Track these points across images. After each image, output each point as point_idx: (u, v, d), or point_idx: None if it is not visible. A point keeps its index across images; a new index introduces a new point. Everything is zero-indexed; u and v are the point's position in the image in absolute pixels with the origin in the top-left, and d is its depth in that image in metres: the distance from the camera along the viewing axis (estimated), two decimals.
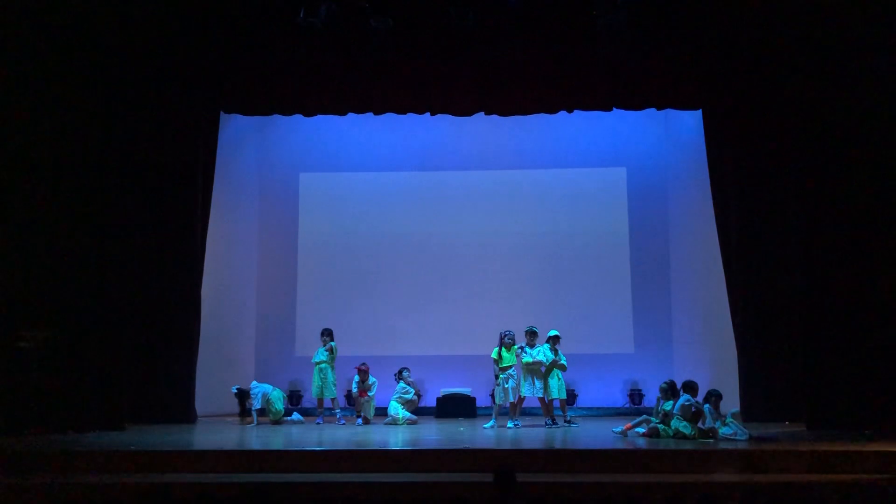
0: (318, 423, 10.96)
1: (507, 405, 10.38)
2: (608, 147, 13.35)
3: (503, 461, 6.89)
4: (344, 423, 10.88)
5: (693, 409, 8.89)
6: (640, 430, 9.29)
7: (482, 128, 12.80)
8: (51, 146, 9.87)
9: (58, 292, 9.69)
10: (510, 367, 10.36)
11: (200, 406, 11.29)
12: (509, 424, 10.24)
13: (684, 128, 12.69)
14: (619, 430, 9.44)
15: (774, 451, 7.64)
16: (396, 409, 10.90)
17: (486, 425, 10.29)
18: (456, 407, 11.85)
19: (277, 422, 10.99)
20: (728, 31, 10.58)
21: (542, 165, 13.39)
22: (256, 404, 10.96)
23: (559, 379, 10.50)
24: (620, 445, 8.55)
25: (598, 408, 12.47)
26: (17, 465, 7.49)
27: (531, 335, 10.45)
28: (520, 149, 13.37)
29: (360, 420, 10.93)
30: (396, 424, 10.71)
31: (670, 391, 9.41)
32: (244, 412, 11.08)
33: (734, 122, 10.78)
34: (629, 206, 13.23)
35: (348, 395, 11.66)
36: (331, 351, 11.02)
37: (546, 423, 10.34)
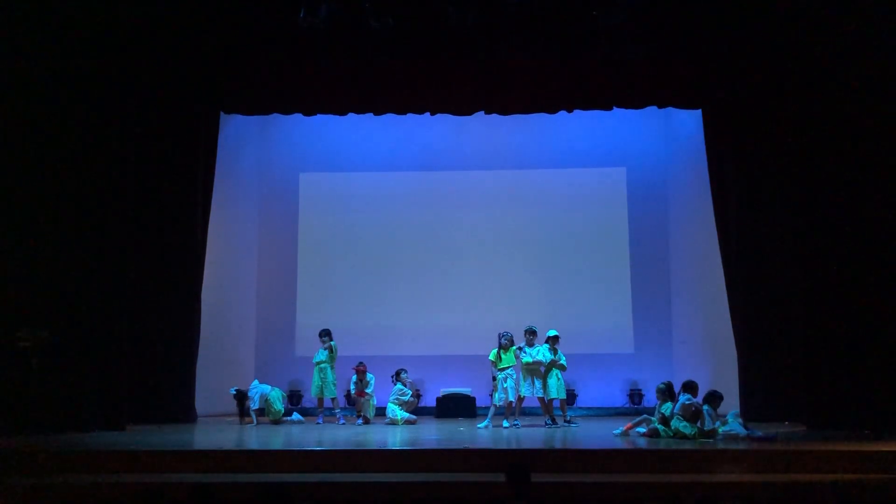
0: (319, 423, 10.97)
1: (505, 405, 10.38)
2: (608, 147, 13.35)
3: (505, 461, 6.87)
4: (344, 423, 10.88)
5: (693, 409, 8.88)
6: (641, 429, 9.28)
7: (482, 128, 12.81)
8: (50, 146, 9.86)
9: (58, 292, 9.68)
10: (508, 367, 10.36)
11: (200, 406, 11.29)
12: (505, 424, 10.23)
13: (684, 128, 12.69)
14: (619, 431, 9.43)
15: (774, 451, 7.63)
16: (394, 411, 10.89)
17: (479, 425, 10.31)
18: (456, 407, 11.87)
19: (277, 422, 10.99)
20: (728, 30, 10.58)
21: (542, 165, 13.40)
22: (254, 405, 10.96)
23: (559, 379, 10.49)
24: (620, 445, 8.55)
25: (598, 408, 12.48)
26: (18, 466, 7.48)
27: (530, 335, 10.44)
28: (520, 149, 13.38)
29: (360, 420, 10.94)
30: (396, 425, 10.72)
31: (668, 392, 9.40)
32: (242, 413, 11.08)
33: (734, 122, 10.78)
34: (629, 206, 13.25)
35: (348, 395, 11.66)
36: (331, 350, 11.02)
37: (546, 423, 10.34)
